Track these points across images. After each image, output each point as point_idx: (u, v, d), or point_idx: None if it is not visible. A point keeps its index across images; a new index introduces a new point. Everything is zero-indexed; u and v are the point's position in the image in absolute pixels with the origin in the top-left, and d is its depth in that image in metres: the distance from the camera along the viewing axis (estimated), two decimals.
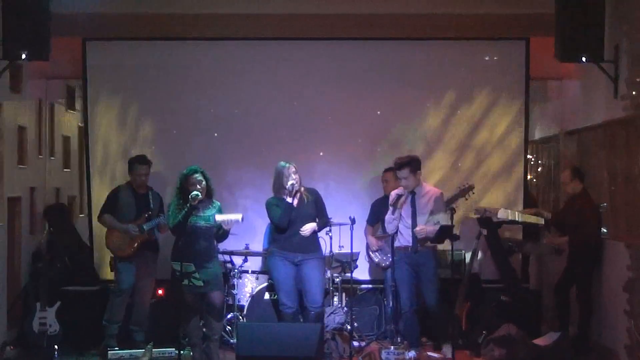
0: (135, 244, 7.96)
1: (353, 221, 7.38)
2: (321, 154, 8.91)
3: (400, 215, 7.65)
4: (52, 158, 9.73)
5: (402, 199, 7.60)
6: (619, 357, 7.53)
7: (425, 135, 8.91)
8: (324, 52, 8.93)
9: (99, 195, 8.51)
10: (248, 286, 8.36)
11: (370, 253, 8.38)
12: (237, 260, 8.45)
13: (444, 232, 7.61)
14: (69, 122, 10.46)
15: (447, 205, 7.86)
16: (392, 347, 7.75)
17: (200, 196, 7.26)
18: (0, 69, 7.78)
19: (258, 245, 8.63)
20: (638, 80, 7.29)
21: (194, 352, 7.50)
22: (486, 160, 8.94)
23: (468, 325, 8.19)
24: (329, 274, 8.21)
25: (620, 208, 7.67)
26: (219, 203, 7.55)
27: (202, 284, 7.20)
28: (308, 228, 7.49)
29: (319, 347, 7.17)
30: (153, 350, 7.61)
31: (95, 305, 8.30)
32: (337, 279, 8.36)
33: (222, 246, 8.14)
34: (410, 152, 8.19)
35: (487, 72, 8.95)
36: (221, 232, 7.45)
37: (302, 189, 7.62)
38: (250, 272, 8.44)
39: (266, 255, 8.52)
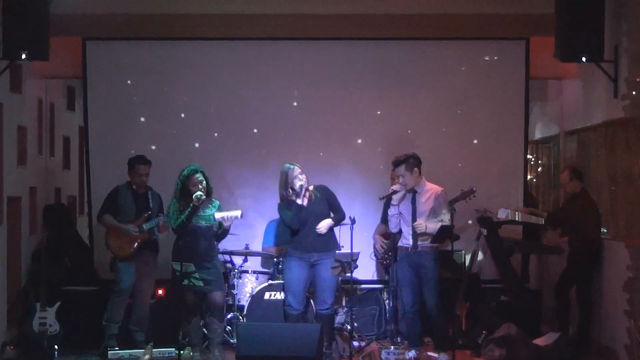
0: (135, 244, 7.96)
1: (353, 221, 7.37)
2: (321, 154, 8.92)
3: (400, 213, 7.67)
4: (52, 158, 9.73)
5: (399, 194, 7.63)
6: (619, 357, 7.53)
7: (425, 135, 8.90)
8: (324, 52, 8.93)
9: (99, 195, 8.50)
10: (248, 286, 8.36)
11: (376, 250, 8.41)
12: (237, 260, 8.45)
13: (444, 232, 7.62)
14: (69, 122, 10.46)
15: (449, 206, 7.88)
16: (392, 347, 7.76)
17: (204, 197, 7.27)
18: (0, 68, 7.78)
19: (258, 245, 8.64)
20: (638, 80, 7.30)
21: (194, 352, 7.50)
22: (486, 160, 8.94)
23: (468, 325, 8.19)
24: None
25: (620, 208, 7.67)
26: (218, 202, 7.57)
27: (202, 284, 7.20)
28: (324, 225, 7.46)
29: (319, 347, 7.17)
30: (153, 350, 7.60)
31: (95, 305, 8.29)
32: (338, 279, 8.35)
33: (222, 246, 8.15)
34: (411, 152, 8.18)
35: (487, 72, 8.96)
36: (221, 231, 7.46)
37: (311, 187, 7.61)
38: (250, 272, 8.44)
39: (266, 255, 8.55)
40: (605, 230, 8.03)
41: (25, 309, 8.34)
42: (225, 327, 7.86)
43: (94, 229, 8.77)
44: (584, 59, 7.70)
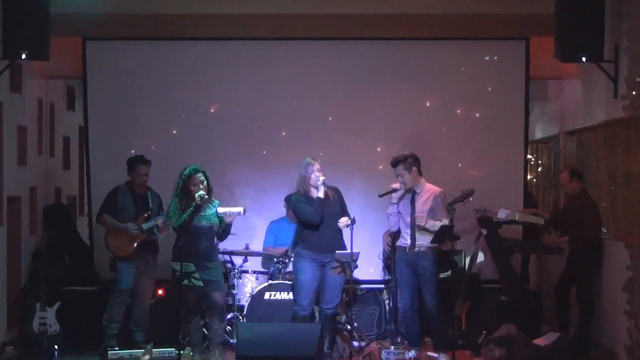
0: (135, 244, 7.96)
1: (353, 221, 7.38)
2: (321, 154, 8.87)
3: (399, 212, 7.68)
4: (52, 158, 9.73)
5: (398, 193, 7.63)
6: (619, 357, 7.53)
7: (425, 135, 8.90)
8: (323, 52, 8.94)
9: (99, 195, 8.49)
10: (248, 286, 8.36)
11: (385, 250, 8.41)
12: (237, 260, 8.45)
13: (444, 232, 7.62)
14: (69, 122, 10.46)
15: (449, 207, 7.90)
16: (392, 347, 7.76)
17: (206, 196, 7.27)
18: (0, 68, 7.78)
19: (258, 245, 8.63)
20: (638, 80, 7.30)
21: (194, 352, 7.50)
22: (486, 160, 8.95)
23: (468, 325, 8.19)
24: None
25: (620, 208, 7.67)
26: (218, 201, 7.56)
27: (202, 284, 7.20)
28: (344, 221, 7.37)
29: (319, 347, 7.17)
30: (153, 350, 7.60)
31: (95, 305, 8.29)
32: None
33: (222, 246, 8.14)
34: (410, 152, 8.18)
35: (487, 72, 8.97)
36: (222, 229, 7.44)
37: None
38: (250, 272, 8.44)
39: (266, 255, 8.55)
40: (605, 230, 8.03)
41: (25, 309, 8.34)
42: (225, 327, 7.86)
43: (94, 229, 8.77)
44: (584, 59, 7.70)
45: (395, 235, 7.90)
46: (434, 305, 7.69)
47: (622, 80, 7.56)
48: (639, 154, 7.27)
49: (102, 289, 8.49)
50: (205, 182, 7.39)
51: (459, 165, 8.95)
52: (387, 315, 8.49)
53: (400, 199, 7.71)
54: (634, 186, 7.35)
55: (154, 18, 8.59)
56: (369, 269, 8.70)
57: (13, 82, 8.28)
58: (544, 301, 9.06)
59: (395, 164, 7.71)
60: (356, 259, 7.34)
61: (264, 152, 8.93)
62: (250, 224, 8.68)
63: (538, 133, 10.41)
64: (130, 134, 8.94)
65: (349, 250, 7.20)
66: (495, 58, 8.95)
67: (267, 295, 8.11)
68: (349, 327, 7.93)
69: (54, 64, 8.22)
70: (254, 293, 8.16)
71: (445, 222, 7.56)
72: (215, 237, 7.56)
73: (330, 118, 8.98)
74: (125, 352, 7.70)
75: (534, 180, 10.65)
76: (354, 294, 8.36)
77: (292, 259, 7.83)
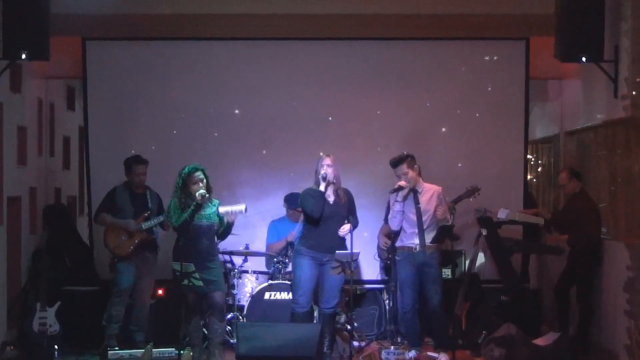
0: (134, 243, 7.96)
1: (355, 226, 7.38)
2: (321, 154, 8.87)
3: (403, 212, 7.67)
4: (52, 158, 9.73)
5: (404, 191, 7.62)
6: (619, 357, 7.52)
7: (425, 135, 8.90)
8: (324, 52, 8.94)
9: (99, 195, 8.49)
10: (248, 286, 8.36)
11: (380, 250, 8.40)
12: (237, 260, 8.45)
13: (444, 232, 7.62)
14: (69, 122, 10.46)
15: (453, 204, 7.92)
16: (392, 347, 7.76)
17: (207, 195, 7.26)
18: (0, 68, 7.78)
19: (258, 245, 8.62)
20: (638, 80, 7.29)
21: (194, 352, 7.49)
22: (486, 160, 8.95)
23: (468, 325, 8.19)
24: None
25: (620, 208, 7.67)
26: (217, 200, 7.55)
27: (202, 284, 7.19)
28: (346, 229, 7.38)
29: (319, 347, 7.17)
30: (153, 350, 7.60)
31: (95, 305, 8.30)
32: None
33: (222, 246, 8.15)
34: (410, 152, 8.17)
35: (487, 72, 8.97)
36: (223, 228, 7.43)
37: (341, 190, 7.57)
38: (250, 272, 8.43)
39: (266, 255, 8.55)
40: (605, 230, 8.03)
41: (25, 309, 8.34)
42: (225, 327, 7.86)
43: (94, 229, 8.77)
44: (584, 59, 7.70)
45: (395, 235, 7.87)
46: (438, 305, 7.69)
47: (622, 80, 7.56)
48: (639, 154, 7.27)
49: (102, 289, 8.50)
50: (204, 180, 7.38)
51: (459, 165, 8.95)
52: (387, 315, 8.48)
53: (405, 198, 7.70)
54: (634, 186, 7.35)
55: (154, 18, 8.59)
56: (369, 269, 8.70)
57: (13, 82, 8.27)
58: (544, 301, 9.06)
59: (396, 163, 7.69)
60: (356, 259, 7.34)
61: (264, 152, 8.93)
62: (251, 224, 8.68)
63: (538, 133, 10.41)
64: (130, 134, 8.94)
65: (349, 250, 7.20)
66: (495, 58, 8.95)
67: (267, 295, 8.11)
68: (349, 327, 7.93)
69: (53, 64, 8.22)
70: (254, 293, 8.16)
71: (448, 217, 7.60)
72: (216, 237, 7.56)
73: (330, 118, 8.98)
74: (125, 352, 7.69)
75: (534, 180, 10.64)
76: (354, 294, 8.36)
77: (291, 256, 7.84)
